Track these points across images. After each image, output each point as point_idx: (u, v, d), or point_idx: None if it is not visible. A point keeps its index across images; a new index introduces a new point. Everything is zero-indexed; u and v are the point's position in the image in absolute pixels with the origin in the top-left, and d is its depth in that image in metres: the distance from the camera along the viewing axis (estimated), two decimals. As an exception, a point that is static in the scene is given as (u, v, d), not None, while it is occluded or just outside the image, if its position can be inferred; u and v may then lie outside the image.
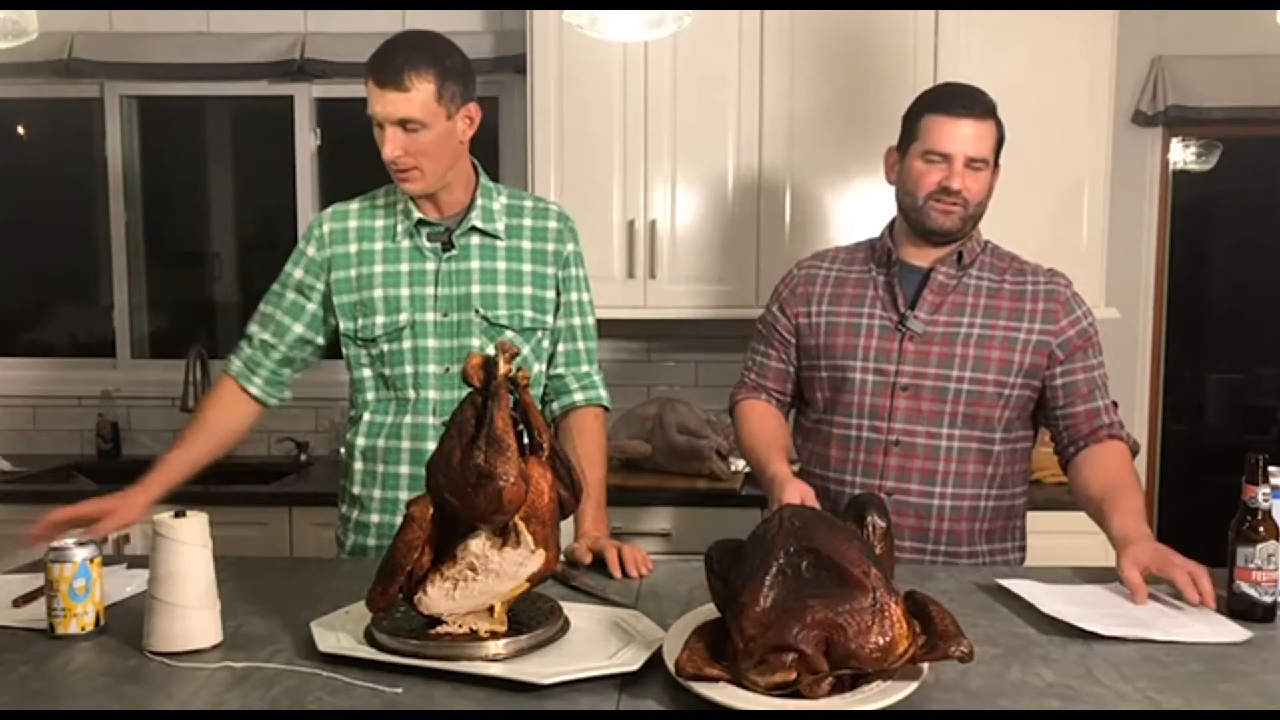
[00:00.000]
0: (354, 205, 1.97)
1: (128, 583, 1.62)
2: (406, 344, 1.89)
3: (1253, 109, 3.35)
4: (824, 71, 3.02)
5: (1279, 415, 4.96)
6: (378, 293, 1.89)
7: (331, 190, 3.53)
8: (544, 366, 1.98)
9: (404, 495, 1.87)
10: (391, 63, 1.76)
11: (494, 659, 1.27)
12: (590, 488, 1.74)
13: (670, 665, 1.20)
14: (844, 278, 2.02)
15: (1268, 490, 1.51)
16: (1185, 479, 4.05)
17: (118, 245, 3.63)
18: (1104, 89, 2.99)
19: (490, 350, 1.83)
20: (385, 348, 1.89)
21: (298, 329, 1.94)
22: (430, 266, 1.90)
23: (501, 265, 1.91)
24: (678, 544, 2.86)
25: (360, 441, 1.94)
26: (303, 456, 3.45)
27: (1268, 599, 1.51)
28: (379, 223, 1.93)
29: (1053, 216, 2.99)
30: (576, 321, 1.99)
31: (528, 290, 1.92)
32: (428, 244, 1.90)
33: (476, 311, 1.89)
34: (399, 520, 1.35)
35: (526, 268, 1.93)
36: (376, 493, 1.93)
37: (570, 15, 1.84)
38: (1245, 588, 1.51)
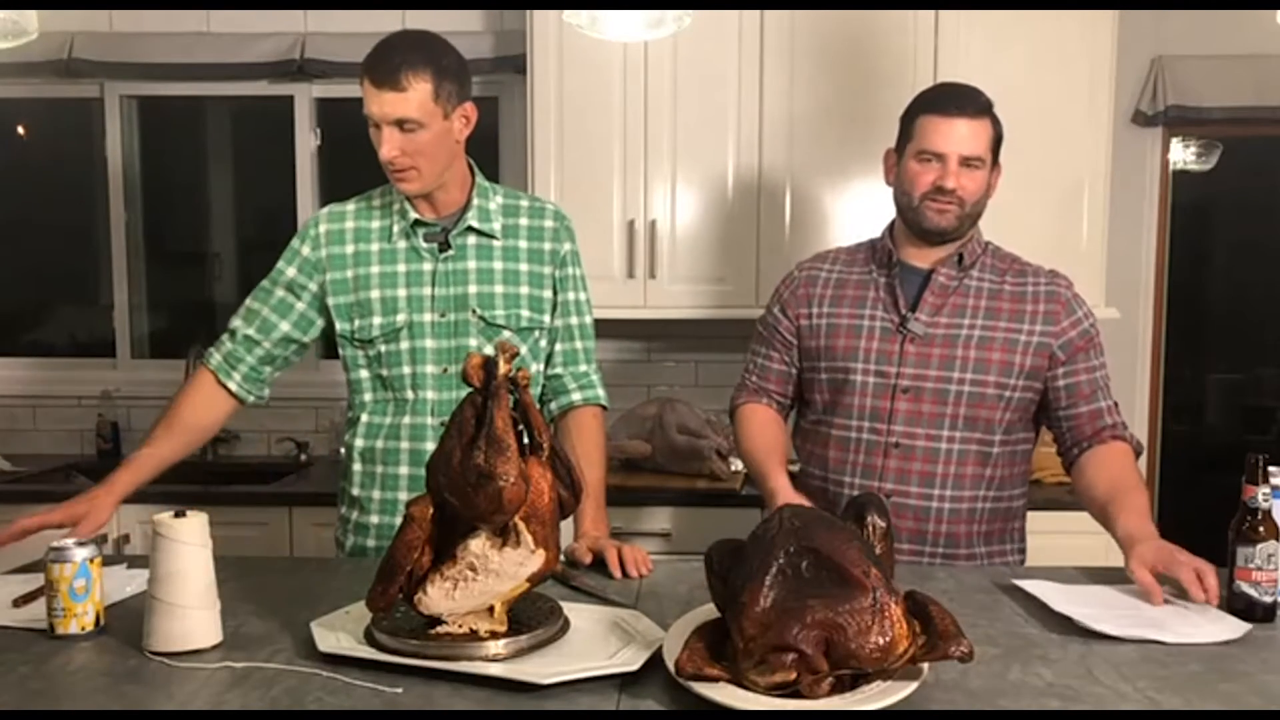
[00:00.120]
0: (350, 206, 1.97)
1: (128, 583, 1.62)
2: (404, 345, 1.88)
3: (1253, 109, 3.35)
4: (824, 71, 3.02)
5: (1279, 415, 4.97)
6: (374, 294, 1.89)
7: (331, 190, 3.54)
8: (541, 366, 1.97)
9: (403, 496, 1.87)
10: (388, 62, 1.75)
11: (494, 659, 1.27)
12: (589, 487, 1.74)
13: (670, 665, 1.20)
14: (845, 279, 2.02)
15: (1268, 490, 1.51)
16: (1185, 479, 4.05)
17: (118, 245, 3.63)
18: (1104, 89, 2.99)
19: (488, 350, 1.84)
20: (382, 349, 1.89)
21: (284, 327, 1.93)
22: (427, 267, 1.89)
23: (498, 265, 1.91)
24: (678, 544, 2.86)
25: (359, 443, 1.93)
26: (303, 456, 3.45)
27: (1268, 599, 1.51)
28: (375, 223, 1.93)
29: (1053, 216, 2.99)
30: (574, 321, 1.98)
31: (524, 290, 1.92)
32: (424, 244, 1.90)
33: (473, 312, 1.89)
34: (399, 521, 1.35)
35: (523, 267, 1.93)
36: (376, 494, 1.92)
37: (570, 15, 1.84)
38: (1245, 588, 1.51)
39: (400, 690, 1.22)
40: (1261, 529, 1.51)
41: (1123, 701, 1.21)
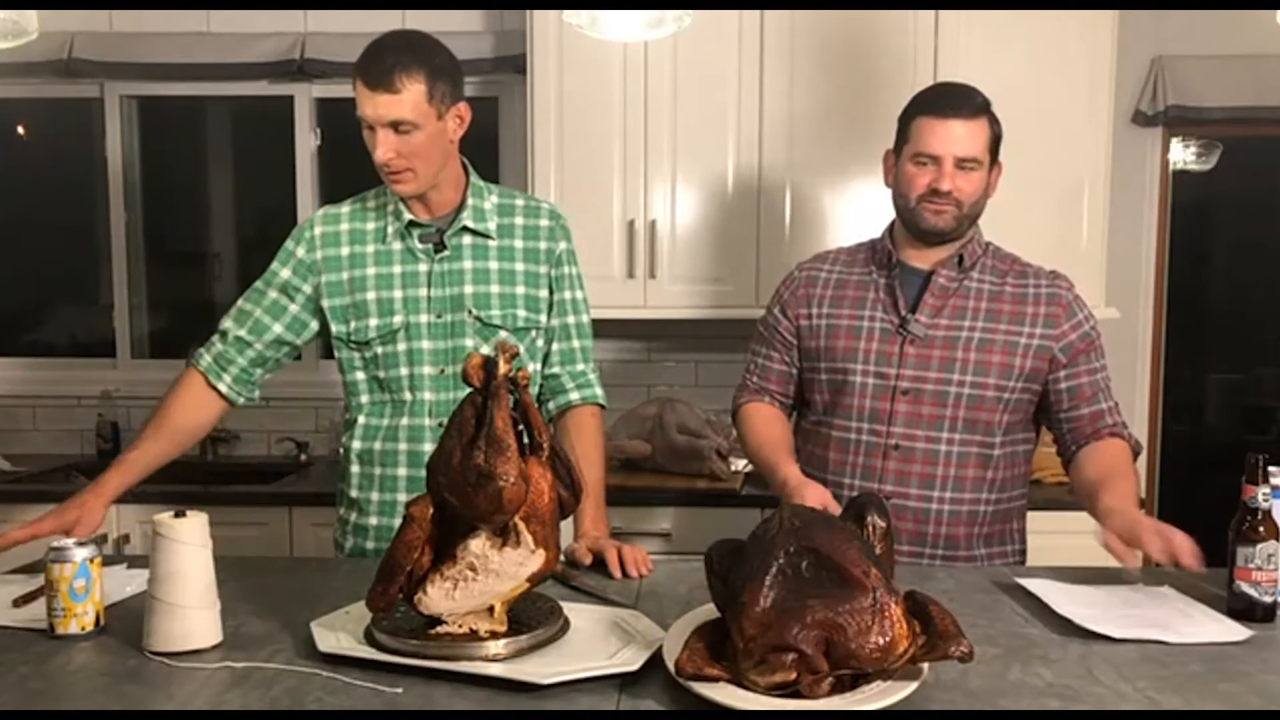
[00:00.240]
0: (345, 208, 1.96)
1: (128, 583, 1.61)
2: (401, 346, 1.88)
3: (1253, 109, 3.35)
4: (824, 71, 3.02)
5: (1279, 415, 4.97)
6: (370, 295, 1.88)
7: (331, 190, 3.54)
8: (539, 366, 1.97)
9: (402, 497, 1.87)
10: (381, 64, 1.74)
11: (494, 659, 1.27)
12: (589, 487, 1.73)
13: (670, 665, 1.20)
14: (845, 280, 2.02)
15: (1268, 490, 1.51)
16: (1185, 479, 4.05)
17: (118, 245, 3.63)
18: (1104, 89, 2.99)
19: (485, 350, 1.84)
20: (379, 350, 1.89)
21: (277, 329, 1.91)
22: (423, 268, 1.89)
23: (494, 265, 1.91)
24: (678, 544, 2.86)
25: (356, 444, 1.93)
26: (303, 456, 3.45)
27: (1268, 599, 1.51)
28: (370, 225, 1.92)
29: (1053, 216, 2.99)
30: (571, 320, 1.98)
31: (521, 290, 1.92)
32: (419, 245, 1.89)
33: (470, 312, 1.88)
34: (398, 523, 1.35)
35: (519, 267, 1.92)
36: (374, 495, 1.92)
37: (570, 15, 1.84)
38: (1245, 588, 1.51)
39: (400, 690, 1.22)
40: (1261, 529, 1.51)
41: (1123, 701, 1.21)
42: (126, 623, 1.43)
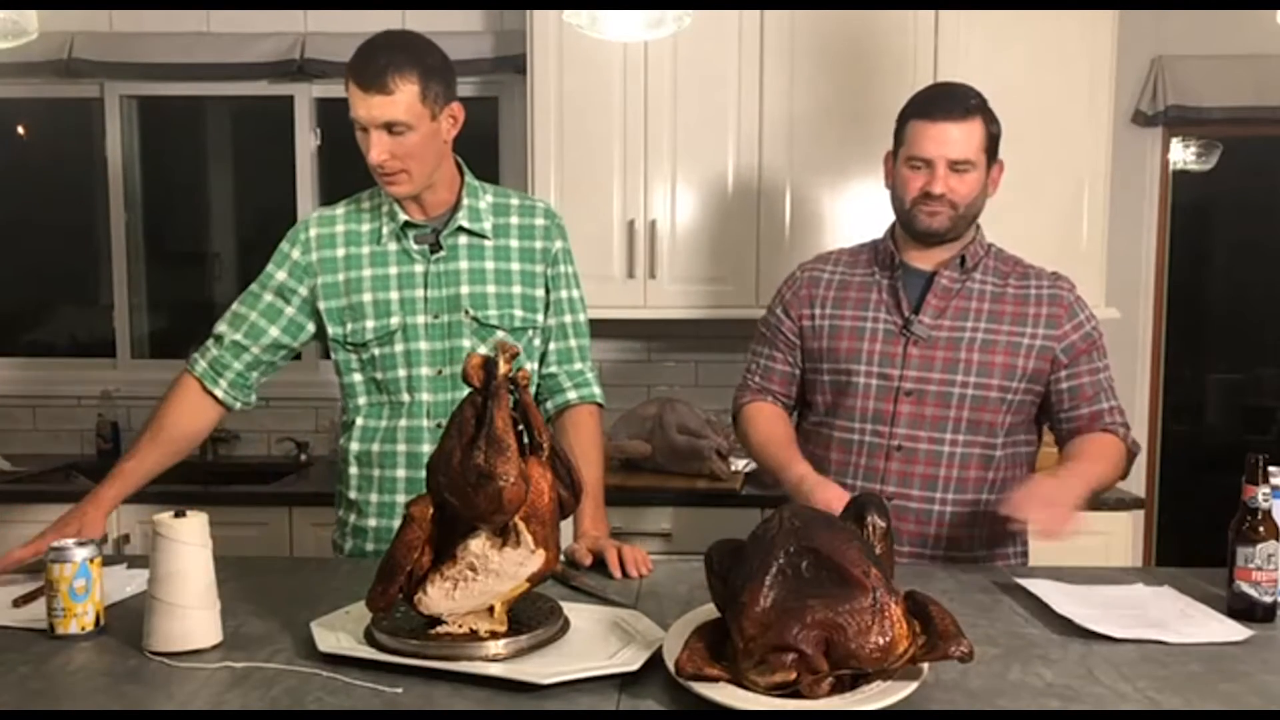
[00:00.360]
0: (339, 210, 1.95)
1: (128, 583, 1.62)
2: (398, 347, 1.87)
3: (1253, 109, 3.35)
4: (824, 71, 3.02)
5: (1279, 415, 4.96)
6: (366, 297, 1.88)
7: (331, 190, 3.54)
8: (536, 365, 1.97)
9: (401, 499, 1.86)
10: (374, 65, 1.73)
11: (494, 659, 1.27)
12: (588, 487, 1.73)
13: (670, 665, 1.20)
14: (848, 280, 2.02)
15: (1268, 490, 1.51)
16: (1185, 479, 4.05)
17: (118, 245, 3.63)
18: (1104, 89, 2.99)
19: (482, 350, 1.84)
20: (376, 352, 1.88)
21: (273, 332, 1.90)
22: (419, 269, 1.88)
23: (490, 265, 1.90)
24: (678, 544, 2.86)
25: (354, 446, 1.92)
26: (303, 456, 3.45)
27: (1268, 599, 1.51)
28: (365, 226, 1.91)
29: (1053, 216, 2.99)
30: (567, 319, 1.98)
31: (517, 289, 1.91)
32: (415, 246, 1.88)
33: (466, 313, 1.87)
34: (397, 524, 1.35)
35: (515, 267, 1.92)
36: (373, 497, 1.92)
37: (570, 15, 1.84)
38: (1245, 588, 1.51)
39: (400, 690, 1.22)
40: (1261, 529, 1.51)
41: (1123, 701, 1.21)
42: (126, 623, 1.43)
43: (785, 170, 3.06)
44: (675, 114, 3.04)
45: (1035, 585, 1.62)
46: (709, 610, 1.34)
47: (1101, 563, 1.80)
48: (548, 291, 1.95)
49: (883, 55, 2.99)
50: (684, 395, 3.32)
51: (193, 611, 1.35)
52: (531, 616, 1.37)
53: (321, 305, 1.90)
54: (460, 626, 1.32)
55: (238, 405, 1.92)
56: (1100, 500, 2.81)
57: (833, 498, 1.72)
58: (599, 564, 1.76)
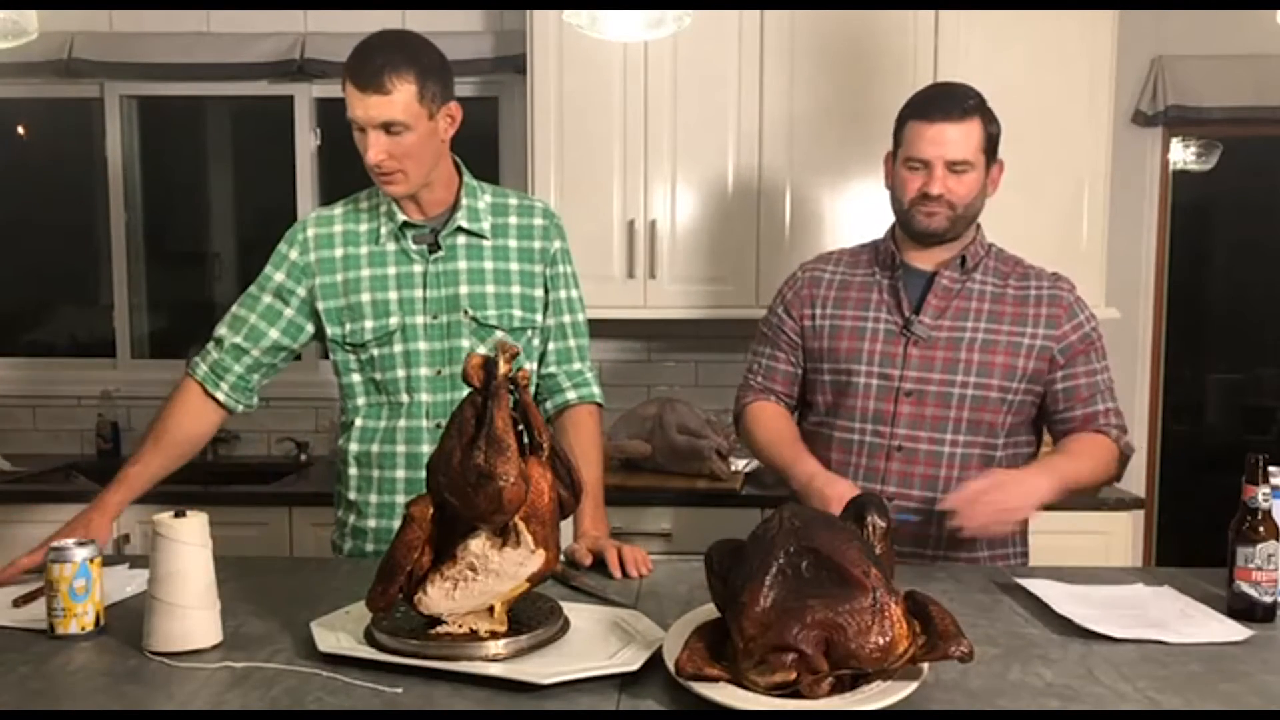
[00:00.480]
0: (337, 210, 1.95)
1: (128, 583, 1.62)
2: (397, 348, 1.87)
3: (1253, 109, 3.35)
4: (824, 71, 3.02)
5: (1279, 415, 4.96)
6: (365, 297, 1.87)
7: (331, 190, 3.54)
8: (535, 365, 1.96)
9: (400, 500, 1.86)
10: (370, 65, 1.73)
11: (494, 659, 1.27)
12: (588, 487, 1.73)
13: (670, 665, 1.20)
14: (848, 281, 2.02)
15: (1268, 490, 1.51)
16: (1185, 479, 4.05)
17: (118, 245, 3.63)
18: (1104, 89, 2.99)
19: (481, 350, 1.84)
20: (375, 352, 1.88)
21: (273, 334, 1.90)
22: (417, 269, 1.88)
23: (489, 265, 1.90)
24: (678, 544, 2.86)
25: (354, 447, 1.92)
26: (303, 456, 3.46)
27: (1268, 599, 1.51)
28: (363, 226, 1.91)
29: (1053, 216, 2.99)
30: (566, 319, 1.97)
31: (516, 289, 1.91)
32: (414, 246, 1.88)
33: (465, 313, 1.87)
34: (397, 525, 1.35)
35: (514, 267, 1.91)
36: (373, 498, 1.92)
37: (570, 15, 1.84)
38: (1245, 588, 1.51)
39: (400, 690, 1.22)
40: (1261, 529, 1.51)
41: (1123, 701, 1.21)
42: (126, 623, 1.43)
43: (785, 170, 3.06)
44: (675, 114, 3.04)
45: (1035, 585, 1.62)
46: (709, 610, 1.34)
47: (1101, 563, 1.80)
48: (546, 291, 1.95)
49: (883, 55, 2.99)
50: (684, 395, 3.32)
51: (193, 611, 1.35)
52: (531, 616, 1.37)
53: (320, 306, 1.89)
54: (460, 626, 1.32)
55: (240, 408, 1.91)
56: (1100, 500, 2.82)
57: (845, 493, 1.71)
58: (599, 564, 1.76)
